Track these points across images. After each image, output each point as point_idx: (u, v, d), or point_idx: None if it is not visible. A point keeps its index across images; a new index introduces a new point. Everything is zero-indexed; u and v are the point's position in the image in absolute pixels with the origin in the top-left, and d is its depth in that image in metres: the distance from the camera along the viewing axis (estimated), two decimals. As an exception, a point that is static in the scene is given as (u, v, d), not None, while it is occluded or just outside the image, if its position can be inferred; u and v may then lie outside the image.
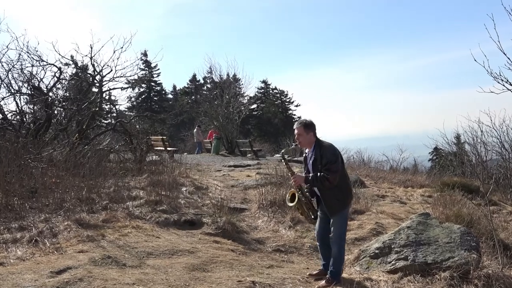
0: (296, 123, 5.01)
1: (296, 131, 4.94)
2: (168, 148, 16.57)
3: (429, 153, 41.27)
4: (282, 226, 7.36)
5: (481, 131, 14.53)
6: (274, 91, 56.84)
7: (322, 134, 5.31)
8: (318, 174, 4.75)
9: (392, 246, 5.48)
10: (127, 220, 6.66)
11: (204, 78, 50.91)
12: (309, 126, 4.91)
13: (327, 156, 4.75)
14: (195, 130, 25.67)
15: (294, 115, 55.74)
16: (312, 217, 5.08)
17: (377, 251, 5.56)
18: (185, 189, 9.00)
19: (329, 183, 4.70)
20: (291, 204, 5.05)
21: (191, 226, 6.96)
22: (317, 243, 5.27)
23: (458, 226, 5.84)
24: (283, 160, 5.32)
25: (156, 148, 15.07)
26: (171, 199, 7.86)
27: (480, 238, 6.12)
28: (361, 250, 5.83)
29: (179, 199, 8.09)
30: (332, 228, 4.92)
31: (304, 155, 5.16)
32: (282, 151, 5.46)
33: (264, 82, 56.76)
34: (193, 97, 53.58)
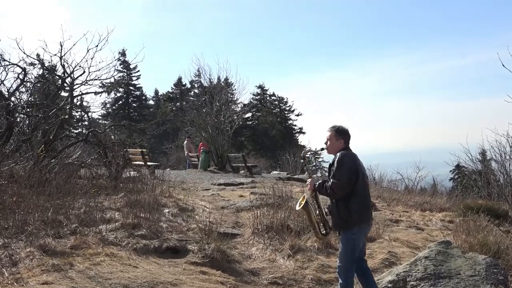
0: (329, 126, 5.36)
1: (327, 134, 5.29)
2: (149, 163, 16.55)
3: (450, 171, 41.46)
4: (280, 254, 7.34)
5: (510, 146, 14.63)
6: (272, 97, 57.07)
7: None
8: (327, 180, 5.10)
9: (408, 280, 5.49)
10: (100, 246, 6.61)
11: (191, 82, 51.26)
12: (341, 133, 5.24)
13: (335, 162, 5.05)
14: (185, 141, 25.69)
15: (295, 125, 56.01)
16: (323, 232, 5.31)
17: (390, 285, 5.55)
18: (167, 210, 8.97)
19: (332, 192, 4.98)
20: (298, 208, 5.34)
21: (174, 254, 6.93)
22: None
23: (484, 256, 5.87)
24: (302, 161, 5.67)
25: (134, 162, 15.02)
26: (151, 223, 7.82)
27: (508, 271, 6.14)
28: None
29: (160, 223, 8.06)
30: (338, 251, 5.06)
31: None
32: (304, 150, 5.71)
33: (260, 87, 57.09)
34: (178, 103, 53.73)
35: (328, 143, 5.26)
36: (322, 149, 5.48)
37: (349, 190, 4.96)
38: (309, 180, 5.38)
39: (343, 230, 5.05)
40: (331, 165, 5.16)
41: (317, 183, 5.18)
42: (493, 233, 8.51)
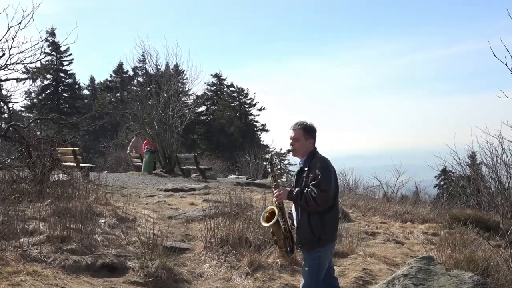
0: (293, 124, 5.28)
1: (292, 134, 5.22)
2: (82, 164, 16.29)
3: (435, 176, 42.42)
4: (236, 272, 7.36)
5: (503, 148, 15.02)
6: (230, 89, 57.17)
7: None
8: (306, 189, 4.98)
9: (384, 301, 5.58)
10: (21, 263, 6.49)
11: (135, 69, 50.60)
12: (310, 131, 5.22)
13: (317, 168, 4.98)
14: (133, 139, 25.42)
15: (257, 122, 56.25)
16: (289, 249, 5.25)
17: (364, 308, 5.64)
18: (103, 221, 8.89)
19: (315, 204, 4.90)
20: (266, 224, 5.23)
21: (111, 273, 6.86)
22: None
23: (471, 274, 6.03)
24: (268, 166, 5.46)
25: (64, 163, 14.78)
26: (83, 235, 7.73)
27: (498, 291, 6.31)
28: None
29: (95, 235, 7.96)
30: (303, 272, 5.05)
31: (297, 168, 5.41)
32: (270, 153, 5.56)
33: (216, 76, 57.10)
34: (118, 94, 53.13)
35: (295, 144, 5.21)
36: (289, 151, 5.40)
37: (332, 203, 5.00)
38: (277, 190, 5.22)
39: (312, 249, 5.05)
40: (303, 170, 5.14)
41: (294, 192, 5.05)
42: (482, 248, 8.76)
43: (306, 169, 5.10)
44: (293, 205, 5.20)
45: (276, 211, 5.14)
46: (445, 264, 7.47)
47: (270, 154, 5.57)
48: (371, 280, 7.42)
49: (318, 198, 4.86)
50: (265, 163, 5.55)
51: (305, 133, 5.18)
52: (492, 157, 15.97)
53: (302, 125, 5.22)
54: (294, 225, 5.23)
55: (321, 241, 5.01)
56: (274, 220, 5.10)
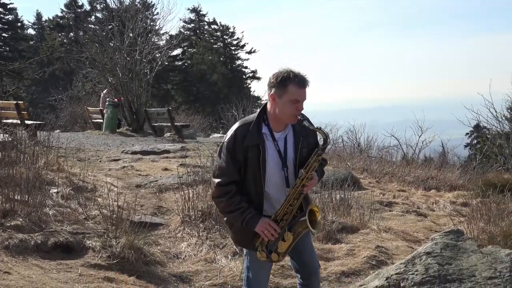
0: (300, 78, 4.49)
1: (304, 95, 4.55)
2: (28, 122, 16.22)
3: (466, 134, 42.61)
4: (221, 252, 7.41)
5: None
6: (212, 27, 56.71)
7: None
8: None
9: (402, 285, 5.64)
10: (-47, 243, 6.51)
11: (92, 3, 50.16)
12: None
13: (313, 131, 4.66)
14: (102, 93, 25.29)
15: (246, 68, 55.93)
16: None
17: (377, 293, 5.70)
18: (56, 190, 8.89)
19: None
20: (314, 231, 4.63)
21: (67, 254, 6.86)
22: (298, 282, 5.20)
23: (508, 251, 6.06)
24: (320, 148, 4.58)
25: (5, 120, 14.71)
26: (31, 208, 7.71)
27: (542, 271, 6.37)
28: (351, 292, 5.98)
29: (45, 208, 7.95)
30: (310, 248, 4.96)
31: (246, 144, 4.58)
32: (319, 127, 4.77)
33: (195, 11, 56.63)
34: (71, 34, 52.53)
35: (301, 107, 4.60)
36: (306, 123, 4.82)
37: None
38: (313, 176, 4.57)
39: None
40: (297, 139, 4.64)
41: (319, 176, 4.70)
42: (522, 220, 8.83)
43: (297, 138, 4.66)
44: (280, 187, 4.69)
45: (318, 213, 4.63)
46: (477, 239, 7.54)
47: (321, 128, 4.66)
48: (386, 260, 7.48)
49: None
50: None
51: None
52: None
53: (309, 80, 4.59)
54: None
55: None
56: (320, 221, 4.64)
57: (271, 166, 4.52)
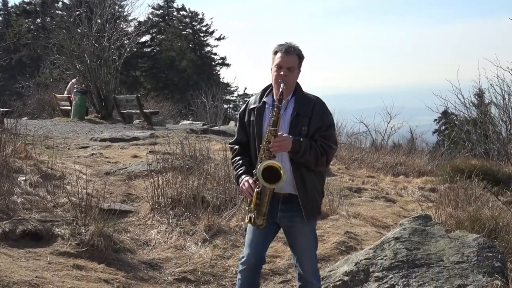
0: (284, 45, 4.73)
1: (286, 60, 4.67)
2: (-6, 109, 16.08)
3: (435, 120, 43.04)
4: (191, 239, 7.42)
5: (517, 85, 15.17)
6: (182, 13, 56.46)
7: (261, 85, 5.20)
8: (317, 142, 4.66)
9: (371, 270, 5.70)
10: None
11: (59, -12, 49.49)
12: (303, 58, 4.84)
13: (325, 115, 4.73)
14: (70, 82, 24.98)
15: (215, 54, 55.86)
16: (267, 216, 4.80)
17: (346, 278, 5.76)
18: (23, 178, 8.84)
19: (324, 162, 4.73)
20: (270, 186, 4.60)
21: (35, 242, 6.82)
22: (245, 273, 5.06)
23: (475, 236, 6.16)
24: (275, 106, 4.61)
25: (-28, 108, 14.54)
26: (-2, 196, 7.67)
27: (508, 256, 6.46)
28: (320, 277, 6.01)
29: (13, 196, 7.91)
30: (302, 249, 4.88)
31: (250, 107, 4.90)
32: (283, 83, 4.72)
33: (164, -3, 56.14)
34: (38, 20, 51.95)
35: (289, 75, 4.66)
36: (282, 87, 4.79)
37: None
38: (278, 137, 4.54)
39: (314, 216, 4.93)
40: (296, 113, 4.69)
41: (303, 142, 4.57)
42: (489, 205, 8.94)
43: (296, 110, 4.71)
44: (285, 159, 4.74)
45: (282, 169, 4.54)
46: (445, 224, 7.62)
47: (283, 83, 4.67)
48: (355, 245, 7.54)
49: (330, 154, 4.73)
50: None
51: (300, 61, 4.78)
52: (503, 95, 16.17)
53: (298, 49, 4.75)
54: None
55: (320, 208, 4.98)
56: (283, 179, 4.54)
57: (266, 129, 4.65)
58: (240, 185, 4.77)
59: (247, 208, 4.80)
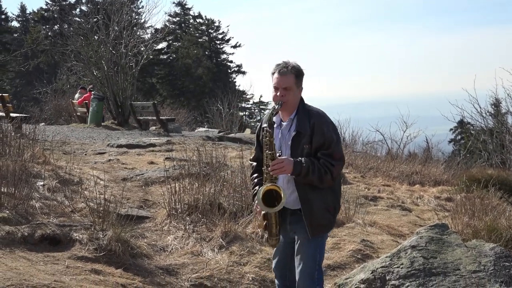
0: (279, 65, 4.79)
1: (281, 81, 4.74)
2: (13, 114, 16.16)
3: (451, 129, 42.80)
4: (208, 245, 7.44)
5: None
6: (198, 20, 56.58)
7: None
8: (319, 160, 4.68)
9: (387, 278, 5.70)
10: None
11: (77, -5, 49.81)
12: (301, 76, 4.86)
13: (326, 131, 4.72)
14: (77, 94, 25.16)
15: (231, 62, 55.94)
16: (279, 236, 4.97)
17: (362, 286, 5.77)
18: (42, 183, 8.88)
19: (330, 179, 4.69)
20: (270, 210, 4.71)
21: (53, 246, 6.86)
22: (276, 282, 5.32)
23: (492, 245, 6.15)
24: (265, 130, 4.76)
25: (-10, 113, 14.65)
26: (17, 201, 7.71)
27: (525, 265, 6.45)
28: (337, 285, 6.03)
29: (31, 201, 7.96)
30: (299, 258, 4.91)
31: (262, 126, 4.92)
32: (270, 110, 4.87)
33: (180, 4, 56.44)
34: (56, 27, 52.24)
35: (287, 95, 4.71)
36: (275, 108, 4.87)
37: None
38: (276, 160, 4.63)
39: (327, 230, 4.99)
40: (297, 132, 4.74)
41: (304, 163, 4.62)
42: (506, 215, 8.91)
43: (297, 129, 4.75)
44: (287, 180, 4.84)
45: (282, 192, 4.61)
46: (462, 234, 7.61)
47: (270, 111, 4.81)
48: (371, 254, 7.54)
49: (335, 171, 4.68)
50: (264, 126, 4.81)
51: (298, 79, 4.79)
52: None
53: (294, 68, 4.76)
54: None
55: (335, 217, 4.96)
56: (282, 202, 4.59)
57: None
58: (254, 206, 5.04)
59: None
